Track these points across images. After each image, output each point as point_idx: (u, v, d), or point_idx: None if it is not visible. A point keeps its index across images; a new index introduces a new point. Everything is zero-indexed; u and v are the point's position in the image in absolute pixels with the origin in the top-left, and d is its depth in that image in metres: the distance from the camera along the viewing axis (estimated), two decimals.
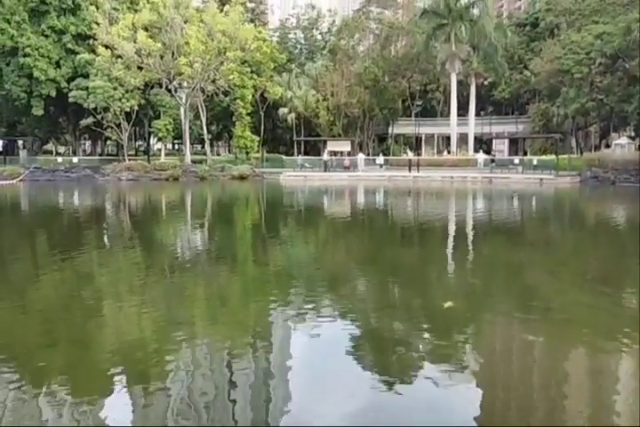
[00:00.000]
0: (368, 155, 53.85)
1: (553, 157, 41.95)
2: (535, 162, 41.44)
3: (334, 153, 48.98)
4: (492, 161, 44.06)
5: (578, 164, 40.47)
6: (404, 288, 10.64)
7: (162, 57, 45.78)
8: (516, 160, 43.48)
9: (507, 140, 52.91)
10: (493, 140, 53.24)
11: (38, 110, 49.26)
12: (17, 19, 47.91)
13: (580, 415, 5.47)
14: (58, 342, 7.37)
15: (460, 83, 54.02)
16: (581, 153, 48.40)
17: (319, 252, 14.67)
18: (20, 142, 54.94)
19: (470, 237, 16.68)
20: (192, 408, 5.50)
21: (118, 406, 5.53)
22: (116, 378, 6.16)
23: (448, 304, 8.77)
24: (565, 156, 43.63)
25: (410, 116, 61.62)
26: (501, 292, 10.24)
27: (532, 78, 52.22)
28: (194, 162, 48.48)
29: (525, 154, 49.42)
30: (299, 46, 68.18)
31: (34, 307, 9.07)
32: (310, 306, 8.87)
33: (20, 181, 43.51)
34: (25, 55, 47.09)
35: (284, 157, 53.35)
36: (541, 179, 37.58)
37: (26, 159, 50.74)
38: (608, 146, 49.90)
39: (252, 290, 10.39)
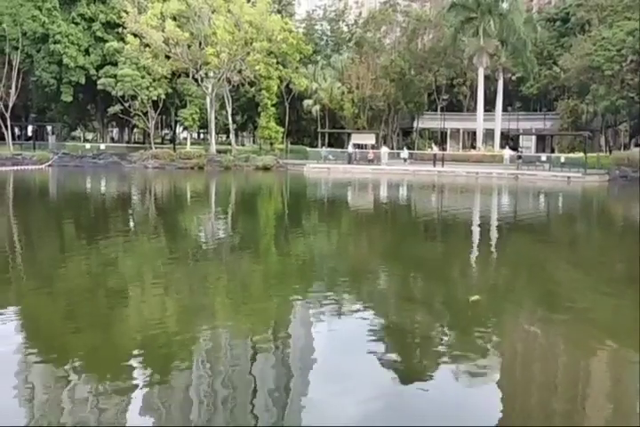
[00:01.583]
0: (392, 148, 53.53)
1: (581, 154, 41.22)
2: (563, 159, 40.79)
3: (358, 146, 48.82)
4: (519, 157, 43.46)
5: (606, 162, 39.78)
6: (430, 281, 10.64)
7: (189, 46, 46.03)
8: (544, 157, 42.81)
9: (534, 137, 52.13)
10: (520, 137, 52.53)
11: (67, 97, 49.94)
12: (48, 6, 48.56)
13: (597, 417, 5.44)
14: (82, 325, 7.51)
15: (487, 77, 53.35)
16: (610, 151, 47.53)
17: (342, 244, 14.70)
18: (49, 128, 55.74)
19: (495, 234, 16.57)
20: (211, 398, 5.53)
21: (139, 391, 5.59)
22: (138, 363, 6.26)
23: (474, 298, 8.81)
24: (594, 154, 42.90)
25: (435, 110, 61.03)
26: (526, 288, 10.18)
27: (562, 74, 51.32)
28: (219, 151, 48.74)
29: (553, 151, 48.67)
30: (325, 38, 67.76)
31: (60, 289, 9.27)
32: (332, 297, 8.89)
33: (49, 166, 44.22)
34: (55, 42, 47.71)
35: (307, 148, 53.24)
36: (569, 177, 37.03)
37: (54, 145, 51.50)
38: (638, 145, 48.94)
39: (274, 280, 10.45)
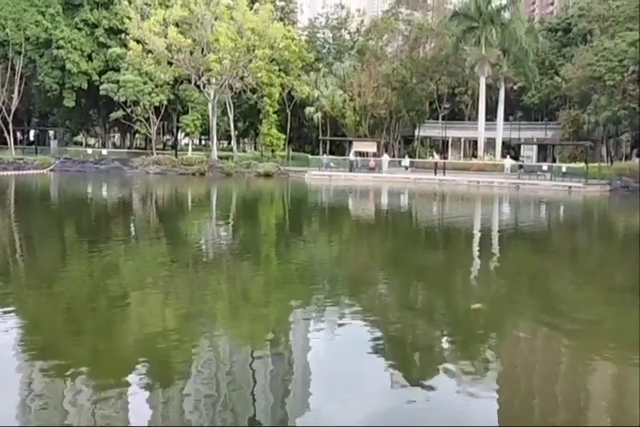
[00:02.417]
0: (393, 156, 53.60)
1: (582, 164, 41.21)
2: (564, 169, 40.67)
3: (360, 153, 48.85)
4: (520, 167, 43.44)
5: (608, 172, 39.76)
6: (431, 289, 10.60)
7: (191, 53, 46.13)
8: (545, 167, 42.75)
9: (535, 147, 52.11)
10: (522, 146, 52.56)
11: (70, 102, 50.05)
12: (51, 11, 48.82)
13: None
14: (83, 330, 7.52)
15: (489, 87, 53.46)
16: (611, 162, 47.52)
17: (342, 251, 14.66)
18: (52, 133, 55.84)
19: (497, 244, 16.53)
20: (212, 402, 5.52)
21: (138, 395, 5.58)
22: (138, 368, 6.24)
23: (476, 306, 8.87)
24: (595, 164, 42.89)
25: (437, 118, 61.18)
26: (527, 297, 10.13)
27: (563, 84, 51.44)
28: (220, 158, 48.75)
29: (554, 161, 48.66)
30: (327, 46, 67.98)
31: (61, 293, 9.26)
32: (333, 304, 8.87)
33: (51, 170, 44.23)
34: (58, 47, 47.87)
35: (309, 155, 53.30)
36: (570, 187, 36.98)
37: (56, 150, 51.54)
38: (639, 155, 48.99)
39: (275, 287, 10.42)
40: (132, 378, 5.96)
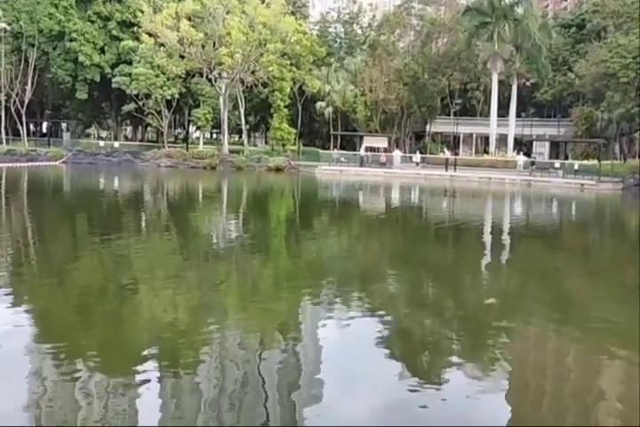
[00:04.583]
0: (404, 152, 53.47)
1: (595, 162, 40.95)
2: (576, 166, 40.44)
3: (371, 149, 48.79)
4: (532, 164, 43.22)
5: (621, 170, 39.47)
6: (444, 285, 10.60)
7: (203, 47, 46.17)
8: (557, 164, 42.52)
9: (547, 143, 51.73)
10: (534, 143, 52.20)
11: (82, 94, 50.33)
12: (64, 4, 48.98)
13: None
14: (94, 321, 7.58)
15: (501, 83, 53.12)
16: (625, 159, 47.18)
17: (354, 246, 14.65)
18: (64, 125, 56.21)
19: (509, 241, 16.48)
20: (220, 397, 5.54)
21: (148, 387, 5.60)
22: (148, 360, 6.27)
23: (490, 301, 8.96)
24: (608, 161, 42.55)
25: (448, 114, 60.88)
26: (540, 293, 10.12)
27: (577, 81, 51.04)
28: (231, 152, 48.88)
29: (567, 158, 48.35)
30: (338, 40, 67.72)
31: (72, 286, 9.33)
32: (343, 299, 8.89)
33: (63, 162, 44.52)
34: (71, 40, 48.10)
35: (320, 150, 53.27)
36: (582, 184, 36.76)
37: (69, 142, 51.93)
38: None
39: (284, 280, 10.47)
40: (142, 371, 5.97)
